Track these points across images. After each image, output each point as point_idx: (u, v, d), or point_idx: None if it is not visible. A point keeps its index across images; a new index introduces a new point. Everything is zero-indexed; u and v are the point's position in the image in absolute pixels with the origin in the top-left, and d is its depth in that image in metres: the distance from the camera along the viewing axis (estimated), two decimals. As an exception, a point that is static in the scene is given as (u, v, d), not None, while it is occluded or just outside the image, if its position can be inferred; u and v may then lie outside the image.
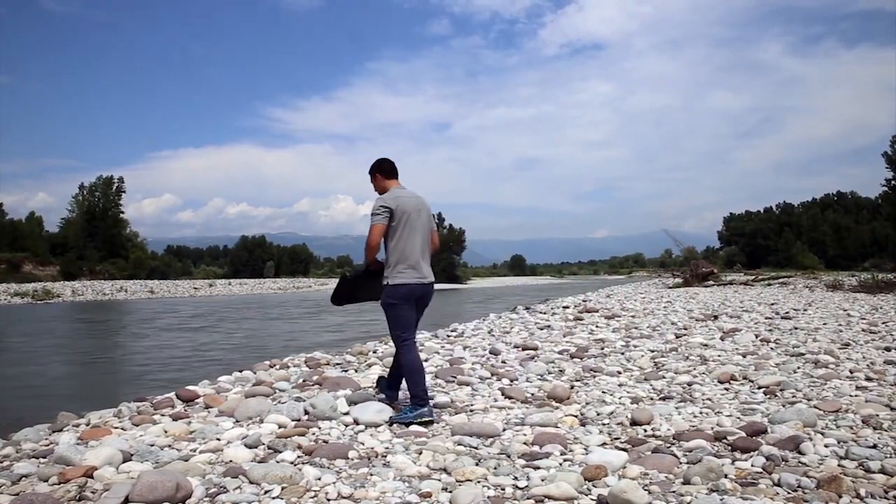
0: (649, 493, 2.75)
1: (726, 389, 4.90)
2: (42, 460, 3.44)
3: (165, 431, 3.92)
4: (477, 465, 3.14)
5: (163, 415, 4.48)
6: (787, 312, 11.35)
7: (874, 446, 3.28)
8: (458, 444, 3.52)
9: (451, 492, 2.79)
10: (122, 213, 70.87)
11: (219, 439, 3.67)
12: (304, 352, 8.01)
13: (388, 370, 4.99)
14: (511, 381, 5.39)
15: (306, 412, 4.18)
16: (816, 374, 5.33)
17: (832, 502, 2.65)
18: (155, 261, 73.79)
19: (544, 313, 12.69)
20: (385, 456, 3.35)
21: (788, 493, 2.76)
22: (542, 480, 2.90)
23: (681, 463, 3.19)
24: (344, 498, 2.76)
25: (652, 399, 4.68)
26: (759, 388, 4.85)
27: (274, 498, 2.74)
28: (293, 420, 4.04)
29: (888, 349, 6.66)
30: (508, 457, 3.31)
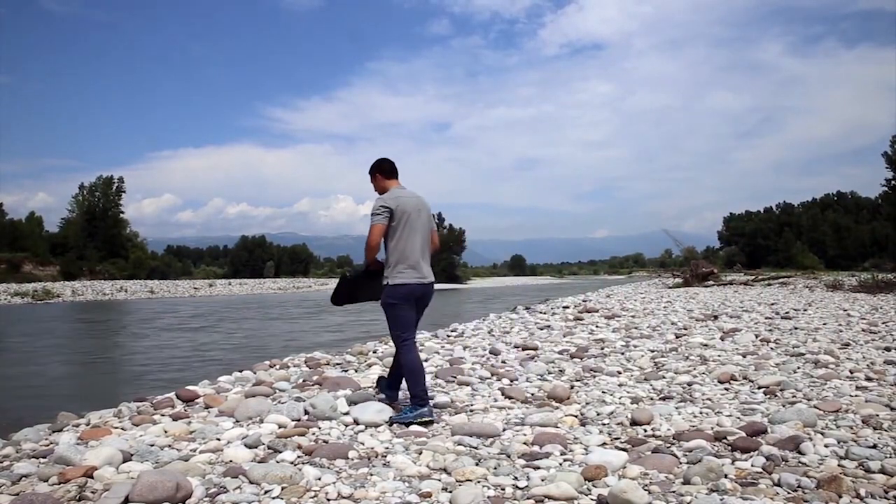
0: (649, 493, 2.75)
1: (726, 389, 4.90)
2: (42, 460, 3.44)
3: (165, 431, 3.92)
4: (477, 465, 3.14)
5: (163, 415, 4.48)
6: (787, 312, 11.35)
7: (874, 446, 3.28)
8: (458, 444, 3.52)
9: (451, 492, 2.79)
10: (122, 213, 71.06)
11: (219, 439, 3.67)
12: (304, 352, 8.01)
13: (388, 370, 4.99)
14: (511, 381, 5.39)
15: (306, 412, 4.18)
16: (816, 374, 5.33)
17: (832, 502, 2.65)
18: (155, 261, 73.79)
19: (544, 313, 12.69)
20: (385, 456, 3.35)
21: (788, 493, 2.76)
22: (542, 480, 2.90)
23: (681, 463, 3.19)
24: (344, 498, 2.76)
25: (652, 399, 4.68)
26: (759, 388, 4.84)
27: (274, 498, 2.75)
28: (293, 420, 4.04)
29: (888, 349, 6.66)
30: (508, 457, 3.31)
